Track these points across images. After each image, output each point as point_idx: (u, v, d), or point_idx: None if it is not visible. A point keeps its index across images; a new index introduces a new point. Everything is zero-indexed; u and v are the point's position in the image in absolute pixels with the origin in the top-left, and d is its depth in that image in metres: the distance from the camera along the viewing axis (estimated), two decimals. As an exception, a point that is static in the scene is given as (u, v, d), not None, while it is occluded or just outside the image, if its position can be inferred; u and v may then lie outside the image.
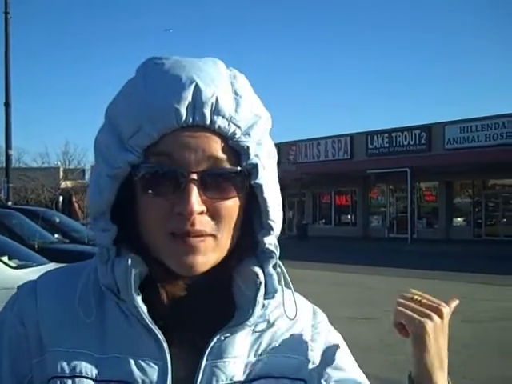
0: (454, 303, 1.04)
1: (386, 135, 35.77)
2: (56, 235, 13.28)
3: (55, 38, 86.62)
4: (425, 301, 1.01)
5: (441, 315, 1.00)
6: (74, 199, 43.68)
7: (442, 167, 30.68)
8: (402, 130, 35.08)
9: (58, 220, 14.94)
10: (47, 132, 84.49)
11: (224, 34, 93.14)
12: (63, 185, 46.05)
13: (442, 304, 1.01)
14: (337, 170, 35.26)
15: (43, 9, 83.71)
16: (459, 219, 34.53)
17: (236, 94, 0.93)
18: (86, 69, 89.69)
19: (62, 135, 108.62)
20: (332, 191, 39.88)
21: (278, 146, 40.20)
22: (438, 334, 0.99)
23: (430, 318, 0.99)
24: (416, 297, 1.02)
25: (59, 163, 49.88)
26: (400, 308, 1.01)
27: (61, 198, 44.31)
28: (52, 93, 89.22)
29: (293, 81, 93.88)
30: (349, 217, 39.84)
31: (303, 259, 20.44)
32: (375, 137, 36.37)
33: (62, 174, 47.82)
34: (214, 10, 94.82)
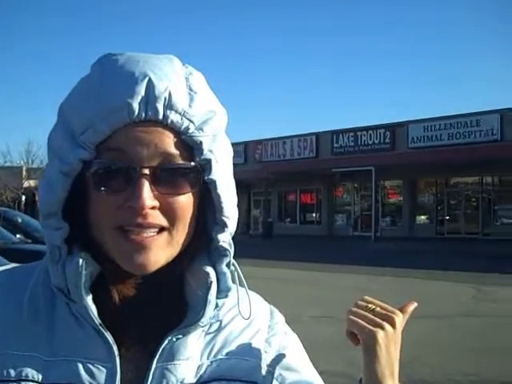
0: (412, 307, 1.04)
1: (352, 134, 36.09)
2: (18, 235, 13.10)
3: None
4: (378, 309, 1.01)
5: (393, 324, 0.99)
6: (37, 199, 43.03)
7: (405, 166, 31.03)
8: (366, 128, 35.45)
9: (20, 220, 14.76)
10: (9, 130, 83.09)
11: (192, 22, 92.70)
12: (26, 184, 45.38)
13: (396, 312, 1.01)
14: (302, 168, 35.44)
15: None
16: (422, 217, 35.00)
17: (190, 89, 0.92)
18: (48, 65, 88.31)
19: (24, 134, 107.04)
20: (297, 190, 40.08)
21: (245, 144, 40.35)
22: (389, 343, 0.98)
23: (381, 327, 0.98)
24: (370, 305, 1.02)
25: (22, 162, 49.17)
26: (352, 317, 1.00)
27: (23, 198, 43.70)
28: (14, 89, 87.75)
29: (260, 80, 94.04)
30: (314, 215, 40.07)
31: (268, 258, 20.52)
32: (340, 136, 36.66)
33: (24, 173, 47.11)
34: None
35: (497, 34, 69.83)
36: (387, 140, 34.22)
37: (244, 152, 40.26)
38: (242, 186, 39.06)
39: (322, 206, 38.80)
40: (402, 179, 34.44)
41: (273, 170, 35.96)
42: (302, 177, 36.10)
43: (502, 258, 20.79)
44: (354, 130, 36.05)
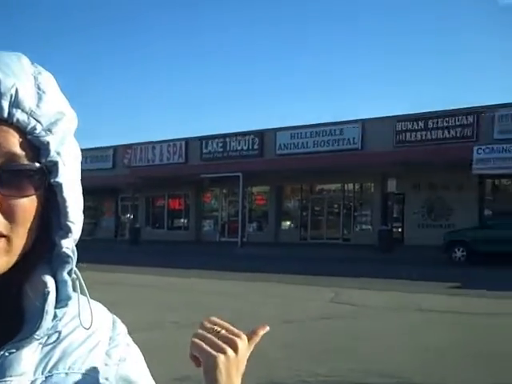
0: (263, 331, 1.06)
1: (221, 140, 36.43)
2: None
3: None
4: (223, 332, 1.01)
5: (235, 349, 1.00)
6: None
7: (273, 172, 31.75)
8: (235, 135, 35.90)
9: None
10: None
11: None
12: None
13: (241, 336, 1.02)
14: (171, 173, 35.28)
15: None
16: (288, 223, 35.95)
17: (39, 88, 0.89)
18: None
19: None
20: (166, 195, 39.87)
21: (114, 149, 39.52)
22: (230, 367, 0.99)
23: (223, 352, 0.98)
24: (216, 327, 1.02)
25: None
26: (195, 340, 1.00)
27: None
28: None
29: (127, 82, 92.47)
30: (182, 221, 40.01)
31: (134, 264, 20.26)
32: (209, 142, 36.91)
33: None
34: None
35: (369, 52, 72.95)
36: (255, 146, 34.86)
37: (113, 157, 39.52)
38: (110, 191, 38.27)
39: (190, 212, 38.82)
40: (269, 185, 35.21)
41: (141, 175, 35.52)
42: (171, 182, 35.96)
43: (360, 262, 21.88)
44: (223, 136, 36.41)
